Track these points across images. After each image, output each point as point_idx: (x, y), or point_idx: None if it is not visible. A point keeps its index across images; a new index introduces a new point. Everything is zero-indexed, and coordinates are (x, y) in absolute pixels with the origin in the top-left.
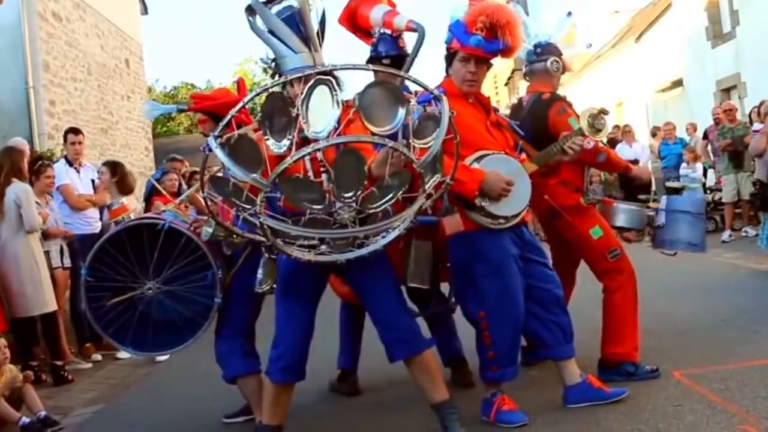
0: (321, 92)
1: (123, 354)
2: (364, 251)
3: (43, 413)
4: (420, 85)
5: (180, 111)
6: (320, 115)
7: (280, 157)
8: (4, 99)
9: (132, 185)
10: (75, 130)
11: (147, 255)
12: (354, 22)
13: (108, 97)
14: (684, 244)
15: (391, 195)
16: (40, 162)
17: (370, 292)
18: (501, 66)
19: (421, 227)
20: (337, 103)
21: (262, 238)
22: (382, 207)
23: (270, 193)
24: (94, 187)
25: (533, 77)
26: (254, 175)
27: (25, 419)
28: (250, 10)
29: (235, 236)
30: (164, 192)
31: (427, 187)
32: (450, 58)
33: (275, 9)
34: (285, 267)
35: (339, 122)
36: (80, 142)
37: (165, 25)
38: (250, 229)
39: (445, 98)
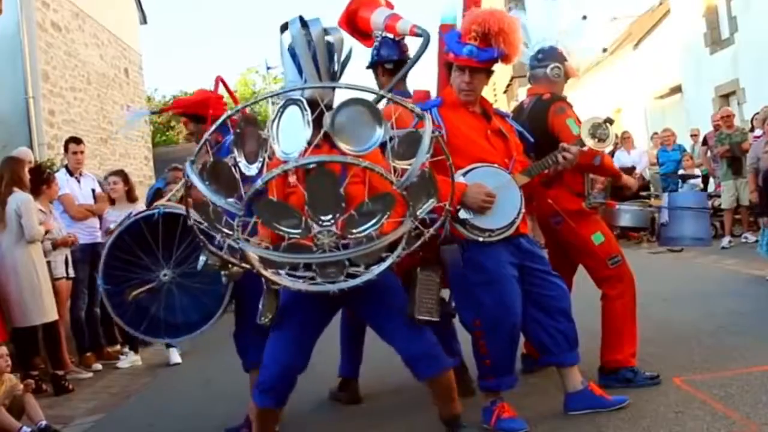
0: (292, 113)
1: (123, 363)
2: (357, 281)
3: (43, 423)
4: (401, 105)
5: (153, 113)
6: (291, 136)
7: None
8: (3, 109)
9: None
10: (76, 140)
11: (153, 246)
12: (353, 24)
13: (107, 107)
14: (689, 240)
15: (375, 220)
16: (48, 171)
17: (382, 322)
18: (500, 73)
19: (429, 254)
20: (308, 123)
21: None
22: (367, 232)
23: (247, 218)
24: (95, 197)
25: (534, 82)
26: (229, 199)
27: (26, 429)
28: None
29: (231, 265)
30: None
31: (420, 212)
32: (449, 68)
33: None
34: (284, 296)
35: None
36: (81, 152)
37: (164, 35)
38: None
39: (429, 117)
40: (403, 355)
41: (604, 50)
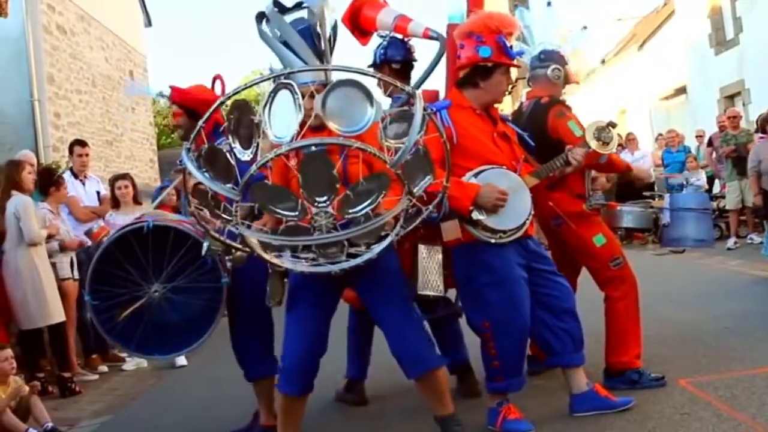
0: (283, 97)
1: (128, 365)
2: (358, 261)
3: (50, 425)
4: (392, 83)
5: (159, 95)
6: (283, 119)
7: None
8: (9, 111)
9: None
10: (81, 143)
11: (142, 260)
12: (355, 21)
13: (113, 109)
14: (691, 241)
15: (371, 199)
16: (58, 174)
17: (380, 307)
18: None
19: (429, 232)
20: (299, 107)
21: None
22: (363, 212)
23: (245, 202)
24: (99, 199)
25: (534, 83)
26: (226, 185)
27: (32, 430)
28: (261, 18)
29: (233, 249)
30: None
31: (416, 190)
32: (487, 71)
33: (288, 18)
34: (293, 279)
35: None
36: (87, 154)
37: (169, 37)
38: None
39: (420, 95)
40: (392, 350)
41: (603, 62)
